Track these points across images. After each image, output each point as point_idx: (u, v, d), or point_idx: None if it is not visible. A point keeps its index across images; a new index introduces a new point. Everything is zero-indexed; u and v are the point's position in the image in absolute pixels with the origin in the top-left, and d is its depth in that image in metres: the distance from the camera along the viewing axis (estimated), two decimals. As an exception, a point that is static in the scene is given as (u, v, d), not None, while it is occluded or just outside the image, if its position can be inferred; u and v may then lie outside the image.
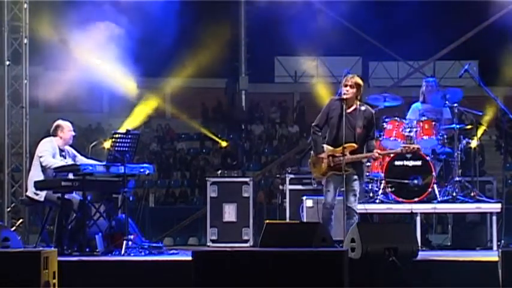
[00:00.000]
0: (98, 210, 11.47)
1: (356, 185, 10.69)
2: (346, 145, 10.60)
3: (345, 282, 8.27)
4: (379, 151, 11.15)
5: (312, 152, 10.94)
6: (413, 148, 11.32)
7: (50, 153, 11.44)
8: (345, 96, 10.65)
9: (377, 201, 12.33)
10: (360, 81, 10.78)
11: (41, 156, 11.43)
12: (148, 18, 14.75)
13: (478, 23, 16.58)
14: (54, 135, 11.65)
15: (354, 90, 10.68)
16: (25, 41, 14.42)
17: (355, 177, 10.69)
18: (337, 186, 10.75)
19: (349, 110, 10.66)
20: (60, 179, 11.30)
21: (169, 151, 26.86)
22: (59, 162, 11.43)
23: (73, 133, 11.72)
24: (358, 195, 10.76)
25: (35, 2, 14.47)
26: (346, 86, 10.69)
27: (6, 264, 8.31)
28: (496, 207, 12.19)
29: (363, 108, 10.80)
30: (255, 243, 12.89)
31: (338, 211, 11.03)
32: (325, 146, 10.77)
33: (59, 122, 11.77)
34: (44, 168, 11.42)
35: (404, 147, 11.37)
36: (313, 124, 10.88)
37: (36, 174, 11.48)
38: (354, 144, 10.69)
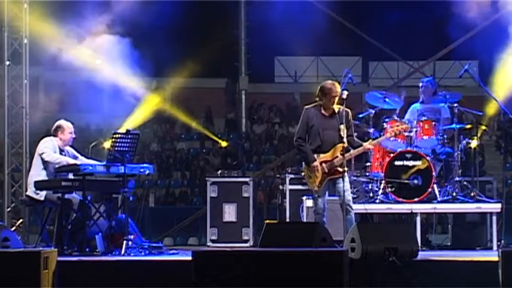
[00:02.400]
0: (98, 210, 11.48)
1: (346, 181, 10.79)
2: (336, 146, 10.72)
3: (345, 282, 8.28)
4: (370, 142, 11.21)
5: (303, 164, 10.94)
6: (402, 129, 11.37)
7: (51, 150, 11.44)
8: (335, 105, 10.72)
9: (377, 201, 12.34)
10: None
11: (42, 153, 11.41)
12: (148, 18, 14.76)
13: (478, 23, 16.56)
14: (55, 135, 11.65)
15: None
16: (25, 41, 14.42)
17: (345, 174, 10.78)
18: (327, 190, 10.80)
19: (327, 114, 10.80)
20: (60, 179, 11.30)
21: (169, 151, 26.85)
22: (61, 157, 11.42)
23: (73, 135, 11.69)
24: (349, 189, 10.85)
25: (35, 2, 14.46)
26: (335, 97, 10.76)
27: (6, 264, 8.32)
28: (496, 207, 12.19)
29: (341, 109, 10.86)
30: (255, 243, 12.90)
31: (338, 211, 11.04)
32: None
33: (61, 122, 11.76)
34: (45, 166, 11.41)
35: (393, 129, 11.42)
36: (296, 138, 10.92)
37: (36, 174, 11.48)
38: (343, 144, 10.76)
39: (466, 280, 9.18)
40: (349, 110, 11.04)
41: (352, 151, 10.87)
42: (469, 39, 16.91)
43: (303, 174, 11.01)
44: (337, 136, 10.76)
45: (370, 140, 11.39)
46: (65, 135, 11.63)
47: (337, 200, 10.86)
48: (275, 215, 13.75)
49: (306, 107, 11.00)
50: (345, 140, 10.74)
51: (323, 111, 10.82)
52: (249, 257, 8.54)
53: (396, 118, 12.66)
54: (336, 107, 10.83)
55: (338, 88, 10.84)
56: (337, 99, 10.79)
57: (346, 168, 10.83)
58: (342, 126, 10.74)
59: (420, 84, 13.22)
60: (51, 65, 14.53)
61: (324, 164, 10.72)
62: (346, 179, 10.78)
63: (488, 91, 12.94)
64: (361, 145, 10.96)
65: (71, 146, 11.79)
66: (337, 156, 10.70)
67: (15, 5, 14.42)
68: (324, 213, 10.79)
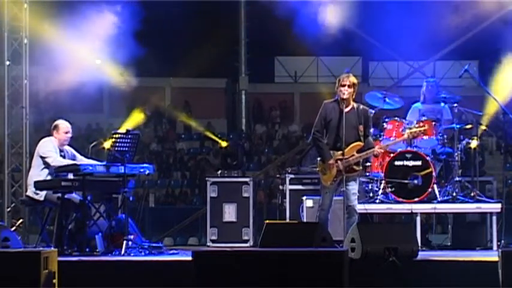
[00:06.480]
0: (98, 210, 11.48)
1: (356, 184, 10.72)
2: (353, 144, 10.62)
3: (345, 282, 8.27)
4: (381, 145, 11.21)
5: (319, 159, 10.87)
6: (420, 131, 11.33)
7: (54, 152, 11.44)
8: (344, 96, 10.63)
9: (377, 201, 12.33)
10: (355, 80, 10.79)
11: (46, 157, 11.39)
12: (149, 18, 14.75)
13: (478, 23, 16.57)
14: (52, 134, 11.65)
15: (351, 90, 10.69)
16: (25, 41, 14.40)
17: (355, 176, 10.73)
18: (335, 188, 10.76)
19: (347, 110, 10.65)
20: (60, 179, 11.30)
21: (169, 151, 26.86)
22: (68, 161, 11.42)
23: (69, 135, 11.65)
24: (357, 193, 10.79)
25: (35, 2, 14.45)
26: (344, 86, 10.67)
27: (6, 264, 8.31)
28: (496, 207, 12.19)
29: (361, 107, 10.82)
30: (255, 243, 12.89)
31: (338, 211, 11.04)
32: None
33: (58, 122, 11.76)
34: (45, 166, 11.40)
35: (412, 131, 11.37)
36: (313, 131, 10.81)
37: (36, 174, 11.47)
38: (360, 143, 10.70)
39: (466, 280, 9.18)
40: (368, 109, 11.01)
41: (360, 153, 10.73)
42: (469, 39, 16.91)
43: (317, 169, 10.93)
44: (354, 134, 10.69)
45: (380, 144, 11.35)
46: (59, 135, 11.60)
47: (340, 200, 10.84)
48: (275, 215, 13.74)
49: (325, 101, 10.92)
50: (362, 138, 10.70)
51: (342, 107, 10.66)
52: (249, 257, 8.53)
53: (396, 118, 12.67)
54: (355, 104, 10.77)
55: (351, 78, 10.70)
56: (345, 89, 10.60)
57: (361, 167, 10.81)
58: (361, 126, 10.72)
59: (424, 84, 13.18)
60: (51, 65, 14.50)
61: (339, 162, 10.65)
62: (356, 181, 10.74)
63: (488, 91, 12.93)
64: (371, 147, 10.85)
65: (71, 146, 11.79)
66: (353, 155, 10.63)
67: (15, 5, 14.40)
68: (329, 209, 10.74)
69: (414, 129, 11.46)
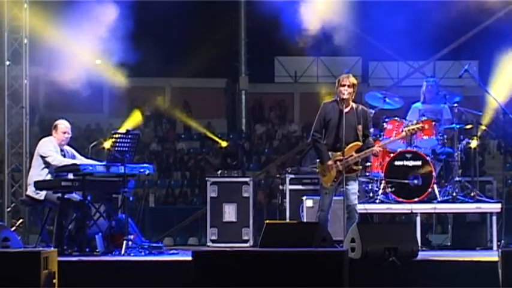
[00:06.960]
0: (98, 210, 11.48)
1: (356, 184, 10.72)
2: (351, 144, 10.61)
3: (345, 282, 8.28)
4: (379, 144, 11.23)
5: (317, 161, 10.85)
6: (417, 128, 11.32)
7: (54, 151, 11.43)
8: (344, 97, 10.62)
9: (377, 201, 12.33)
10: (355, 80, 10.78)
11: (46, 156, 11.39)
12: (149, 18, 14.76)
13: (478, 23, 16.57)
14: (51, 134, 11.66)
15: (351, 90, 10.68)
16: (25, 41, 14.41)
17: (354, 176, 10.73)
18: (335, 189, 10.75)
19: (346, 110, 10.64)
20: (60, 179, 11.30)
21: (169, 151, 26.86)
22: (69, 161, 11.42)
23: (67, 135, 11.64)
24: (357, 193, 10.79)
25: (35, 2, 14.46)
26: (343, 86, 10.66)
27: (6, 264, 8.32)
28: (496, 207, 12.19)
29: (360, 107, 10.82)
30: (255, 243, 12.89)
31: (338, 211, 11.03)
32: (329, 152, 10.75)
33: (57, 121, 11.77)
34: (46, 166, 11.40)
35: (409, 129, 11.36)
36: (312, 132, 10.80)
37: (36, 174, 11.47)
38: (359, 143, 10.69)
39: (466, 280, 9.18)
40: (367, 109, 11.00)
41: (359, 153, 10.71)
42: (469, 39, 16.91)
43: (317, 170, 10.91)
44: (353, 134, 10.67)
45: (379, 143, 11.36)
46: (58, 134, 11.61)
47: (340, 200, 10.83)
48: (275, 215, 13.74)
49: (324, 101, 10.90)
50: (360, 138, 10.70)
51: (341, 107, 10.64)
52: (249, 257, 8.53)
53: (396, 118, 12.67)
54: (354, 105, 10.76)
55: (351, 78, 10.70)
56: (345, 89, 10.58)
57: (360, 167, 10.81)
58: (360, 126, 10.71)
59: (424, 84, 13.18)
60: (51, 65, 14.50)
61: (338, 162, 10.63)
62: (356, 181, 10.73)
63: (488, 91, 12.93)
64: (371, 147, 10.82)
65: (71, 146, 11.79)
66: (352, 155, 10.63)
67: (15, 5, 14.41)
68: (329, 210, 10.73)
69: (411, 127, 11.45)
